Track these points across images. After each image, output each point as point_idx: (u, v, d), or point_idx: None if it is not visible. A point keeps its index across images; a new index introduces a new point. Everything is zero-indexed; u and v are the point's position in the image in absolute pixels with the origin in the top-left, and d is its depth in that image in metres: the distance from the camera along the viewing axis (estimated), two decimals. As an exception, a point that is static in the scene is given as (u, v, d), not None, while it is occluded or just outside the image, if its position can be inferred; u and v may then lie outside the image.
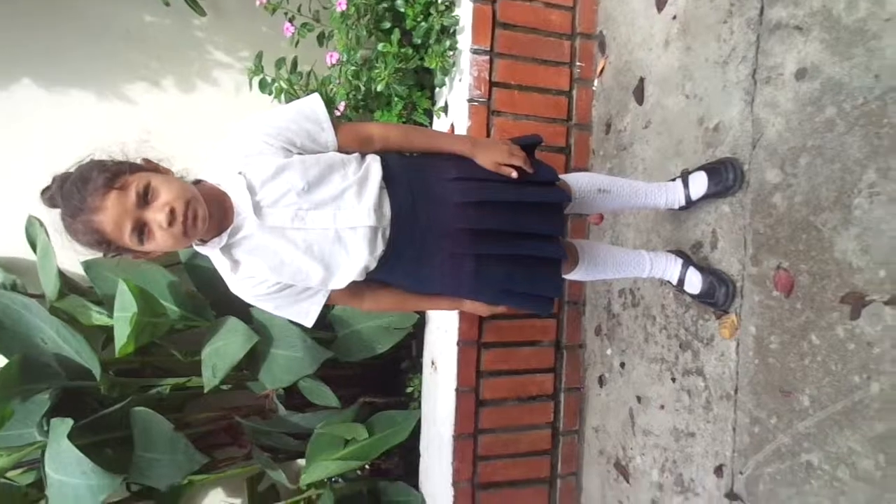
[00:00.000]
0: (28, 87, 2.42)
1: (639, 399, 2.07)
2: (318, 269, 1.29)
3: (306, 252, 1.28)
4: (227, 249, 1.28)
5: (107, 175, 1.17)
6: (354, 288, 1.37)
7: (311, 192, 1.27)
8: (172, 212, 1.17)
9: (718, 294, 1.72)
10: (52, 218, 1.26)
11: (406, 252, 1.35)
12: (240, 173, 1.26)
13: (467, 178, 1.41)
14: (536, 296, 1.49)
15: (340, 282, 1.32)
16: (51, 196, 1.22)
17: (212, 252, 1.31)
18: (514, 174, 1.41)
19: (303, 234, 1.27)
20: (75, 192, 1.17)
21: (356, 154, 1.35)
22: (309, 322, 1.40)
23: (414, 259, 1.37)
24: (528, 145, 1.49)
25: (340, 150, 1.34)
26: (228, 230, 1.26)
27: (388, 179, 1.33)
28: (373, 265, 1.33)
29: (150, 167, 1.25)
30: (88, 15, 2.49)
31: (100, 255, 1.25)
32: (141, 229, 1.18)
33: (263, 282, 1.31)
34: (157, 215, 1.17)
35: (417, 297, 1.50)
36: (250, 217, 1.25)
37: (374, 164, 1.34)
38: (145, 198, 1.18)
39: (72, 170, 1.24)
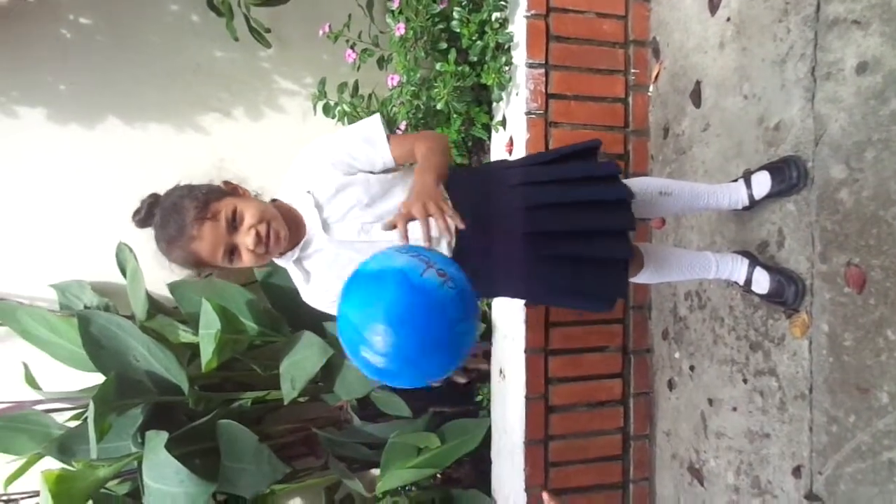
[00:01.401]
0: (113, 123, 2.60)
1: (710, 402, 2.07)
2: None
3: None
4: (299, 262, 1.39)
5: (197, 205, 1.30)
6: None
7: (375, 206, 1.37)
8: (258, 234, 1.29)
9: (788, 293, 1.71)
10: (142, 239, 1.41)
11: (471, 259, 1.38)
12: (308, 192, 1.38)
13: (527, 182, 1.47)
14: (600, 295, 1.53)
15: None
16: (142, 219, 1.38)
17: (286, 264, 1.42)
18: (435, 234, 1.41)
19: (370, 246, 1.35)
20: (171, 221, 1.30)
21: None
22: None
23: (480, 265, 1.41)
24: (588, 149, 1.54)
25: (397, 163, 1.45)
26: (301, 244, 1.37)
27: (450, 190, 1.39)
28: None
29: (230, 189, 1.38)
30: (161, 53, 2.66)
31: (188, 272, 1.40)
32: (232, 251, 1.31)
33: (333, 291, 1.36)
34: (245, 239, 1.30)
35: None
36: (319, 232, 1.36)
37: None
38: (233, 223, 1.30)
39: (160, 193, 1.39)
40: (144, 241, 2.41)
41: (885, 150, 1.49)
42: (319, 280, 1.40)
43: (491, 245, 1.40)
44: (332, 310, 1.43)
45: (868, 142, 1.53)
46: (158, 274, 2.33)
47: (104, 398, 2.02)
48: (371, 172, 1.44)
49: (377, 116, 1.44)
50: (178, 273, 1.41)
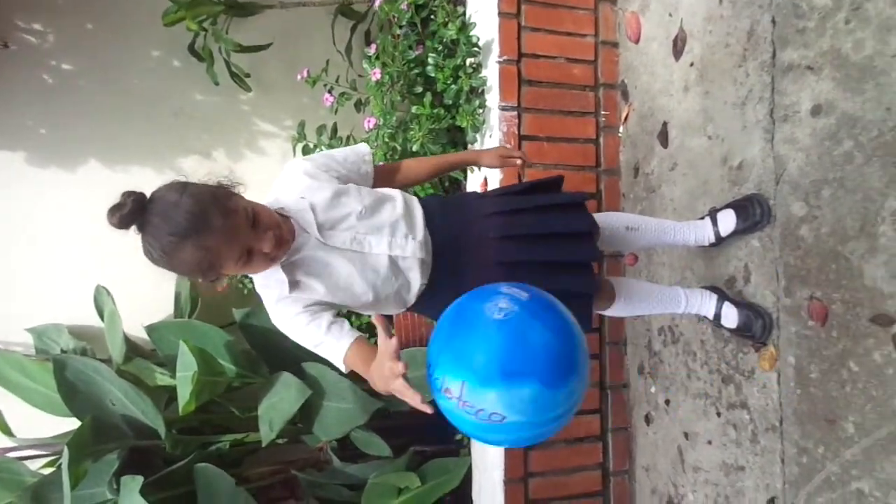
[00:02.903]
0: (94, 166, 2.63)
1: (686, 435, 2.09)
2: (369, 294, 1.37)
3: (361, 275, 1.36)
4: (288, 269, 1.33)
5: (218, 197, 1.20)
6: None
7: (368, 218, 1.38)
8: (275, 238, 1.25)
9: (756, 327, 1.75)
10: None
11: (445, 287, 1.41)
12: (302, 198, 1.37)
13: (500, 212, 1.50)
14: None
15: (385, 308, 1.42)
16: (124, 216, 1.17)
17: (265, 274, 1.34)
18: (520, 161, 1.59)
19: (360, 256, 1.37)
20: (183, 215, 1.15)
21: (398, 191, 1.48)
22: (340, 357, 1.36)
23: (452, 293, 1.43)
24: (554, 182, 1.62)
25: (375, 180, 1.51)
26: (289, 250, 1.33)
27: (428, 218, 1.45)
28: (412, 301, 1.43)
29: (232, 187, 1.30)
30: (143, 97, 2.71)
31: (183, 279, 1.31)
32: (248, 253, 1.23)
33: (315, 302, 1.35)
34: (263, 243, 1.23)
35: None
36: (312, 237, 1.34)
37: (414, 203, 1.46)
38: (253, 222, 1.23)
39: (149, 192, 1.22)
40: (122, 284, 2.45)
41: (841, 189, 1.55)
42: (304, 287, 1.35)
43: (463, 277, 1.41)
44: (300, 328, 1.36)
45: (824, 181, 1.59)
46: (136, 317, 2.39)
47: (79, 443, 1.99)
48: (357, 183, 1.46)
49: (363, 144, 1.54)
50: (171, 278, 1.29)
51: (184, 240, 1.15)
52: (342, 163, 1.47)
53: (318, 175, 1.42)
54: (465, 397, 0.97)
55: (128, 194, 1.19)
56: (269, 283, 1.37)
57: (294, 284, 1.34)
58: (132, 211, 1.17)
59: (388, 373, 1.12)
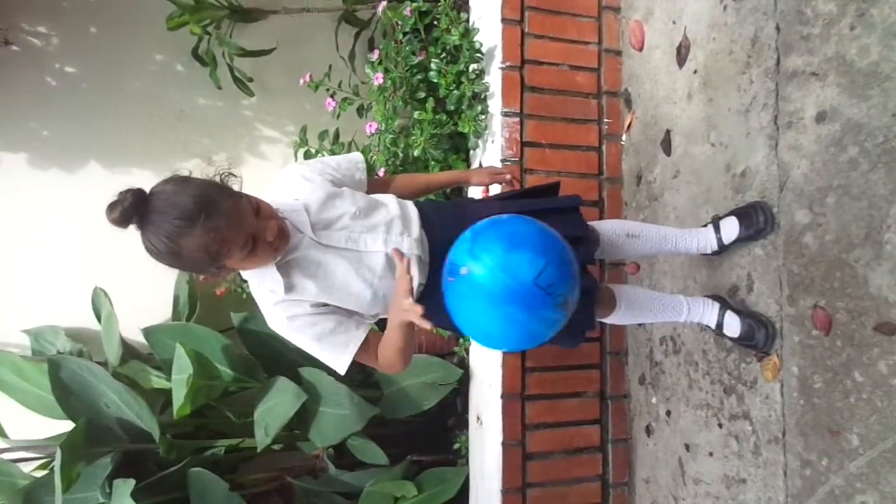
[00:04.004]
0: (94, 169, 2.63)
1: (687, 447, 2.06)
2: (367, 292, 1.36)
3: (357, 273, 1.35)
4: (284, 270, 1.32)
5: (219, 184, 1.22)
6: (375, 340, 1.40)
7: (363, 219, 1.39)
8: (278, 227, 1.26)
9: (758, 336, 1.73)
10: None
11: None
12: (296, 199, 1.38)
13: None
14: (567, 328, 1.54)
15: (385, 309, 1.40)
16: (125, 210, 1.15)
17: (260, 277, 1.34)
18: (508, 176, 1.65)
19: (356, 255, 1.37)
20: (189, 201, 1.14)
21: (391, 196, 1.50)
22: (345, 362, 1.37)
23: None
24: (551, 187, 1.65)
25: (368, 190, 1.53)
26: (286, 249, 1.32)
27: (424, 219, 1.46)
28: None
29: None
30: (145, 100, 2.71)
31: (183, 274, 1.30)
32: (253, 241, 1.22)
33: (311, 304, 1.34)
34: (267, 232, 1.24)
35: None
36: (307, 236, 1.34)
37: (409, 205, 1.47)
38: (256, 211, 1.24)
39: (149, 188, 1.20)
40: (120, 287, 2.43)
41: (845, 196, 1.53)
42: (298, 289, 1.33)
43: None
44: (299, 331, 1.35)
45: (829, 188, 1.57)
46: (134, 320, 2.37)
47: (72, 446, 1.97)
48: (351, 187, 1.48)
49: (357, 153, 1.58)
50: (170, 280, 1.30)
51: (191, 223, 1.14)
52: (336, 168, 1.49)
53: (313, 178, 1.43)
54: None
55: (126, 191, 1.18)
56: (264, 285, 1.36)
57: (290, 287, 1.33)
58: (132, 205, 1.15)
59: (405, 306, 1.23)
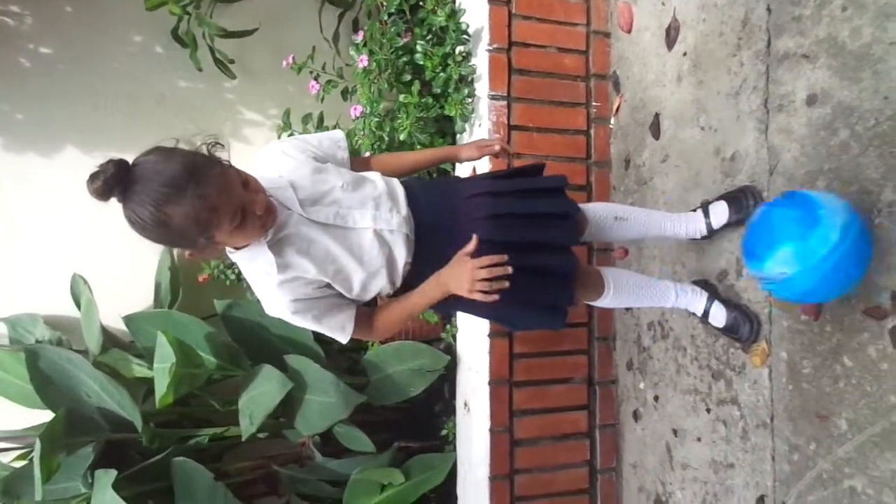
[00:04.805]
0: (72, 153, 2.56)
1: (675, 432, 2.05)
2: (359, 270, 1.34)
3: (348, 251, 1.33)
4: (276, 248, 1.29)
5: (207, 155, 1.18)
6: (368, 313, 1.42)
7: (352, 192, 1.36)
8: (266, 202, 1.22)
9: (743, 330, 1.72)
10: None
11: (429, 265, 1.40)
12: (280, 176, 1.35)
13: (485, 193, 1.50)
14: (549, 308, 1.53)
15: (375, 286, 1.38)
16: (107, 180, 1.09)
17: (251, 257, 1.31)
18: (497, 147, 1.58)
19: (343, 232, 1.34)
20: (177, 170, 1.09)
21: (376, 172, 1.47)
22: (347, 332, 1.39)
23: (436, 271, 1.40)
24: (536, 167, 1.64)
25: (352, 166, 1.50)
26: (273, 227, 1.29)
27: (410, 197, 1.44)
28: (399, 281, 1.41)
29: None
30: (125, 82, 2.64)
31: (162, 247, 1.27)
32: (242, 214, 1.18)
33: (308, 283, 1.32)
34: (255, 205, 1.20)
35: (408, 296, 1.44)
36: (295, 213, 1.31)
37: (395, 182, 1.45)
38: (245, 183, 1.20)
39: (132, 159, 1.15)
40: (100, 274, 2.38)
41: (836, 180, 1.51)
42: (293, 266, 1.30)
43: (446, 255, 1.38)
44: (299, 312, 1.34)
45: (820, 171, 1.56)
46: (114, 307, 2.32)
47: (52, 436, 1.93)
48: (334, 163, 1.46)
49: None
50: (154, 249, 1.25)
51: (180, 190, 1.08)
52: (317, 146, 1.47)
53: (295, 155, 1.40)
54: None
55: (107, 161, 1.11)
56: (256, 264, 1.32)
57: (283, 266, 1.29)
58: (114, 175, 1.09)
59: (472, 273, 1.28)
